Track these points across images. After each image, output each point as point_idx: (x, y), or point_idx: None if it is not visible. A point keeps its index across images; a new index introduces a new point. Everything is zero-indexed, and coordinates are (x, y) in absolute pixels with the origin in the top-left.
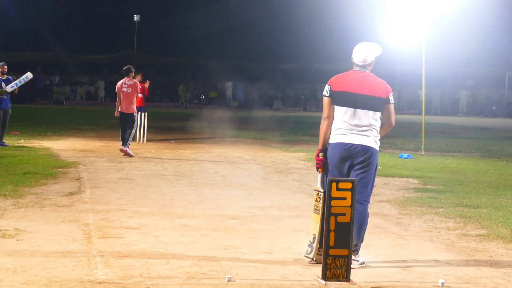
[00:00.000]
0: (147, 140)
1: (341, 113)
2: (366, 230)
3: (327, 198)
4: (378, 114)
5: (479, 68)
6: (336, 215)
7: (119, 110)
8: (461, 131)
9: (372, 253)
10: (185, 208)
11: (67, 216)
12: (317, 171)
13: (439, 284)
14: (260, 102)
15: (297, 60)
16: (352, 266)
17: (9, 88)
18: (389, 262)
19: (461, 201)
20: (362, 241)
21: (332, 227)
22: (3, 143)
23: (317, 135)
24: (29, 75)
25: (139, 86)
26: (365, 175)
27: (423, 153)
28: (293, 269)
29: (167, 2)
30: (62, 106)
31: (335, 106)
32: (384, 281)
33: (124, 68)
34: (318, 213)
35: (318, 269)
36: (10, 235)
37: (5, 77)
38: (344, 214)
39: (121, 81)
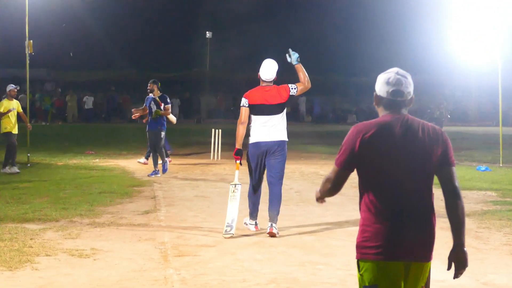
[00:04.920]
0: (221, 157)
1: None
2: (445, 245)
3: None
4: (284, 113)
5: None
6: None
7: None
8: None
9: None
10: (261, 225)
11: (143, 235)
12: (236, 168)
13: None
14: (334, 117)
15: (368, 73)
16: (274, 231)
17: (162, 106)
18: (468, 277)
19: None
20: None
21: None
22: (164, 165)
23: None
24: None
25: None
26: (282, 160)
27: (501, 165)
28: None
29: (237, 18)
30: (137, 124)
31: (253, 115)
32: None
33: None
34: (235, 201)
35: None
36: (87, 255)
37: (158, 93)
38: None
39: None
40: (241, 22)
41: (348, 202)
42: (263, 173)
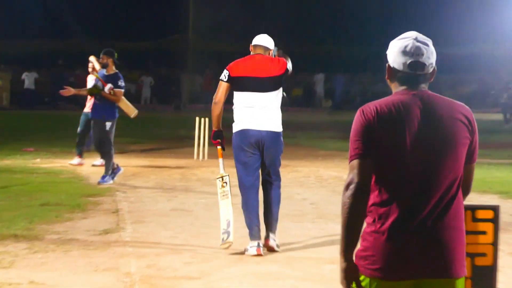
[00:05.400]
0: (209, 157)
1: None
2: None
3: None
4: (280, 92)
5: None
6: (472, 255)
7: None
8: None
9: None
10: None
11: (101, 262)
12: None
13: None
14: (362, 101)
15: None
16: (271, 243)
17: (106, 88)
18: None
19: None
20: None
21: (468, 272)
22: (105, 177)
23: None
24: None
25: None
26: (277, 155)
27: None
28: None
29: None
30: None
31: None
32: None
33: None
34: (227, 198)
35: None
36: None
37: (113, 71)
38: (484, 255)
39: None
40: None
41: None
42: (257, 172)
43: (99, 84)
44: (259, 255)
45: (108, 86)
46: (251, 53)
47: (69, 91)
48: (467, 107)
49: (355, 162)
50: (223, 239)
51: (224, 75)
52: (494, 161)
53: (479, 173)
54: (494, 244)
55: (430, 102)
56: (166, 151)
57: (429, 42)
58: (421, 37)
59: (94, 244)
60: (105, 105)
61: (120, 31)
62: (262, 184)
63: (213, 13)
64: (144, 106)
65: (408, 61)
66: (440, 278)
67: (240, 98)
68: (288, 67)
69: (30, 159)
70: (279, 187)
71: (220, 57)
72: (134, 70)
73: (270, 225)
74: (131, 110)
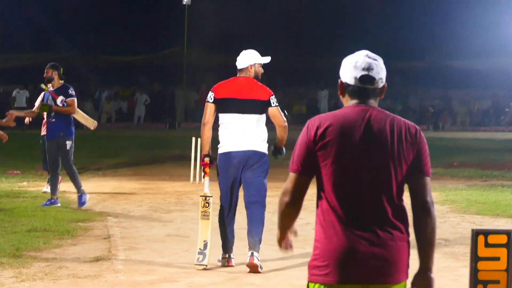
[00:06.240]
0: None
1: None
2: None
3: (473, 258)
4: (263, 118)
5: None
6: (485, 283)
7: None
8: None
9: None
10: (264, 277)
11: None
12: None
13: None
14: None
15: (423, 56)
16: (255, 262)
17: (58, 101)
18: None
19: None
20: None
21: None
22: (52, 200)
23: (455, 166)
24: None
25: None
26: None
27: None
28: None
29: None
30: (82, 130)
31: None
32: None
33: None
34: (207, 219)
35: None
36: None
37: (59, 83)
38: (497, 282)
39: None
40: None
41: None
42: (237, 192)
43: (49, 99)
44: (230, 266)
45: (60, 98)
46: (237, 74)
47: (10, 114)
48: (413, 124)
49: (293, 175)
50: (198, 259)
51: (210, 96)
52: (508, 183)
53: (492, 196)
54: (508, 270)
55: (374, 117)
56: (161, 173)
57: (379, 59)
58: (372, 54)
59: (85, 272)
60: (61, 122)
61: (111, 45)
62: (245, 204)
63: (210, 25)
64: (136, 126)
65: (359, 75)
66: (387, 284)
67: (224, 119)
68: (272, 101)
69: (16, 182)
70: (263, 206)
71: (217, 72)
72: (127, 87)
73: (254, 245)
74: (89, 122)
